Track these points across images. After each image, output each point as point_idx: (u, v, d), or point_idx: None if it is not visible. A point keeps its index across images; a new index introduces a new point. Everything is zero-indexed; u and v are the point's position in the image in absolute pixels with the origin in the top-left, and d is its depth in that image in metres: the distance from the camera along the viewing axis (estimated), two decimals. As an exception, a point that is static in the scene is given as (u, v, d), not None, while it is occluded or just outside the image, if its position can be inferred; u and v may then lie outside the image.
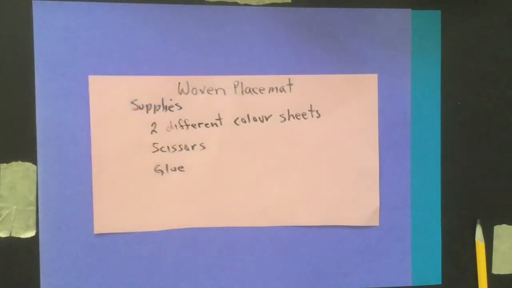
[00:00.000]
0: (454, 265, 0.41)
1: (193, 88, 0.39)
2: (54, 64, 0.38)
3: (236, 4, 0.39)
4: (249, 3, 0.39)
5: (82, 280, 0.39)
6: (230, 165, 0.39)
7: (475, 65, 0.41)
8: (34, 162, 0.38)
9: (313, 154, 0.40)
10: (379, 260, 0.41)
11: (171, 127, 0.39)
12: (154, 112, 0.39)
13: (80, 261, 0.38)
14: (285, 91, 0.40)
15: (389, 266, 0.41)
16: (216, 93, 0.39)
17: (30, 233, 0.38)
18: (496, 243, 0.42)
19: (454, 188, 0.41)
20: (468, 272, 0.42)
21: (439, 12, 0.41)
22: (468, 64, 0.41)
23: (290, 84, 0.40)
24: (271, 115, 0.40)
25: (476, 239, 0.41)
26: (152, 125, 0.39)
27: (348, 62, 0.40)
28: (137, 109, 0.39)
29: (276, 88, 0.39)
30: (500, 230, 0.42)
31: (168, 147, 0.39)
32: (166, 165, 0.39)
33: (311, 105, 0.40)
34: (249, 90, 0.39)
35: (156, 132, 0.39)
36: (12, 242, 0.38)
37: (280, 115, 0.40)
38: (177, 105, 0.39)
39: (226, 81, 0.39)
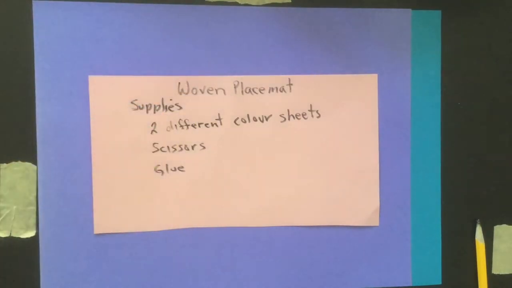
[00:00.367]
0: (454, 265, 0.41)
1: (193, 88, 0.39)
2: (54, 64, 0.38)
3: (236, 4, 0.39)
4: (249, 3, 0.39)
5: (82, 280, 0.38)
6: (230, 165, 0.39)
7: (475, 65, 0.41)
8: (34, 162, 0.38)
9: (313, 154, 0.40)
10: (379, 260, 0.41)
11: (171, 127, 0.39)
12: (154, 112, 0.39)
13: (80, 261, 0.38)
14: (285, 91, 0.40)
15: (389, 266, 0.41)
16: (216, 93, 0.39)
17: (30, 233, 0.38)
18: (496, 243, 0.42)
19: (454, 188, 0.41)
20: (468, 272, 0.42)
21: (439, 12, 0.41)
22: (468, 64, 0.41)
23: (290, 84, 0.40)
24: (271, 115, 0.40)
25: (476, 239, 0.41)
26: (152, 125, 0.39)
27: (348, 62, 0.40)
28: (137, 109, 0.39)
29: (276, 88, 0.39)
30: (500, 230, 0.42)
31: (168, 147, 0.39)
32: (166, 165, 0.39)
33: (311, 105, 0.40)
34: (249, 90, 0.39)
35: (156, 132, 0.39)
36: (12, 242, 0.38)
37: (280, 115, 0.40)
38: (177, 105, 0.39)
39: (226, 81, 0.39)
